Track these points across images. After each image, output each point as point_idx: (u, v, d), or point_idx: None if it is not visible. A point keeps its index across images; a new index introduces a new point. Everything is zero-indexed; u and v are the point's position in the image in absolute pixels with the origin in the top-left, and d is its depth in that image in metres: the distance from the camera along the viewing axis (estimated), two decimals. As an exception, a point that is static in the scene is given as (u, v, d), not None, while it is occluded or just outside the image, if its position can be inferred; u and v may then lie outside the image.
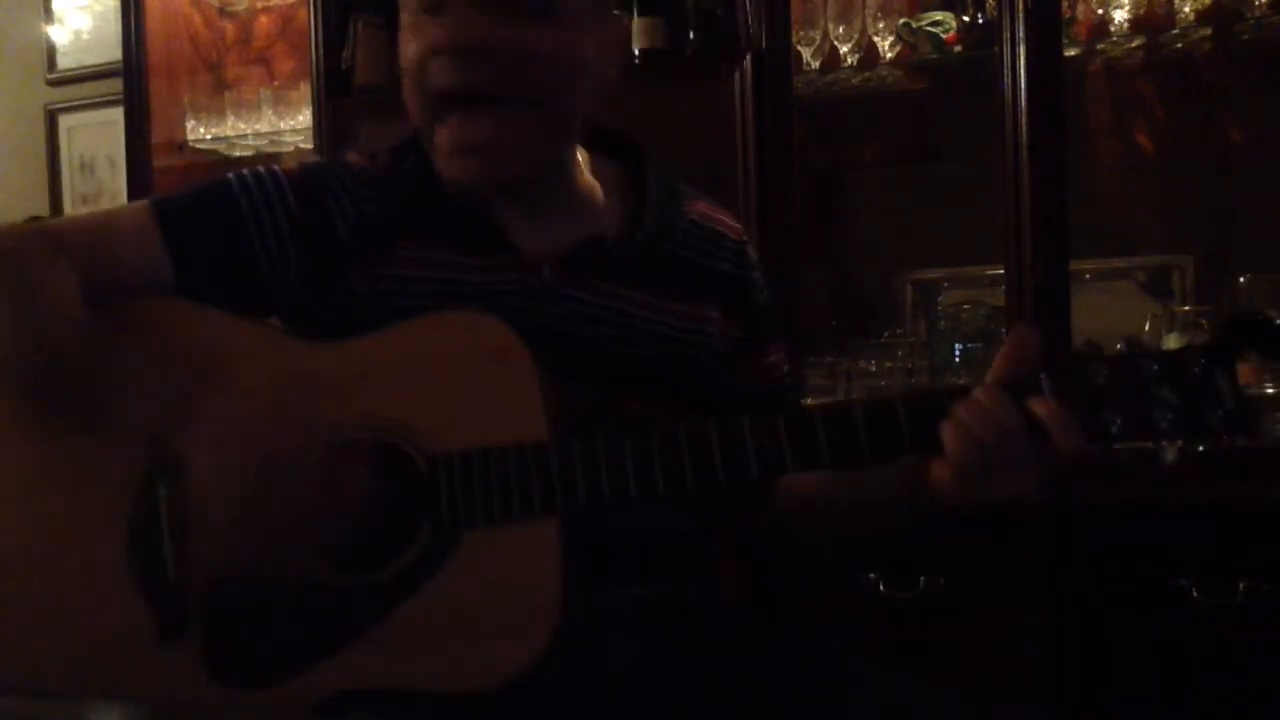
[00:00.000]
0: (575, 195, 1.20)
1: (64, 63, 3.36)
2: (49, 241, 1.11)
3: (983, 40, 2.12)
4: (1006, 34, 1.96)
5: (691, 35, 2.26)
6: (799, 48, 2.21)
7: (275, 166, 1.20)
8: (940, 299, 2.34)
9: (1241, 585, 1.77)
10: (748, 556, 1.38)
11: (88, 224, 1.18)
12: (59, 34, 3.35)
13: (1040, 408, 0.97)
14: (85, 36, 3.33)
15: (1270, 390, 1.78)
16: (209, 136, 2.88)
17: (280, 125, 2.81)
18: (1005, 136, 1.95)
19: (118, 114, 2.95)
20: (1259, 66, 2.12)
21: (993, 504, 0.99)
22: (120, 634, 1.05)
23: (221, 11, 3.03)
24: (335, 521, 1.01)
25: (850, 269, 2.52)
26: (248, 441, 1.01)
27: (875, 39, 2.21)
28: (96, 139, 3.31)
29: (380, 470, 1.03)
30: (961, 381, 2.10)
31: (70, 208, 3.35)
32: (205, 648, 1.04)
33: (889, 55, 2.22)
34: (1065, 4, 2.04)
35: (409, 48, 1.10)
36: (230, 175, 1.18)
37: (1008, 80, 1.95)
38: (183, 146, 2.90)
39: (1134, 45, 2.10)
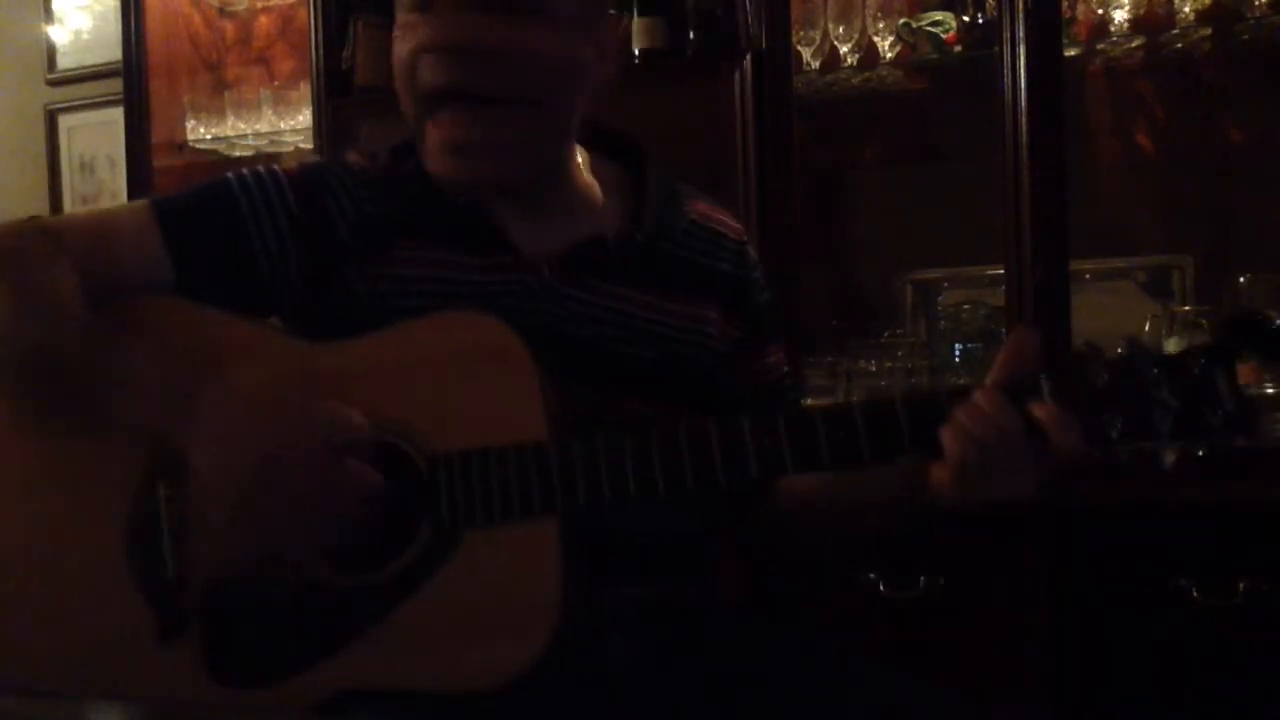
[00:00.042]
0: (575, 195, 1.20)
1: (64, 63, 3.36)
2: (49, 241, 1.11)
3: (983, 40, 2.12)
4: (1006, 34, 1.96)
5: (691, 35, 2.26)
6: (799, 48, 2.21)
7: (275, 166, 1.20)
8: (940, 299, 2.34)
9: (1241, 585, 1.77)
10: (748, 556, 1.38)
11: (88, 223, 1.18)
12: (59, 34, 3.35)
13: (1040, 410, 0.97)
14: (85, 36, 3.33)
15: (1270, 390, 1.78)
16: (209, 136, 2.88)
17: (280, 125, 2.81)
18: (1005, 136, 1.95)
19: (118, 114, 2.95)
20: (1259, 66, 2.11)
21: (992, 505, 0.99)
22: (120, 634, 1.05)
23: (221, 11, 3.03)
24: (335, 521, 1.01)
25: (850, 269, 2.52)
26: (248, 441, 1.01)
27: (875, 39, 2.21)
28: (96, 139, 3.31)
29: (380, 470, 1.03)
30: (961, 381, 2.11)
31: (70, 208, 3.35)
32: (205, 648, 1.04)
33: (889, 55, 2.22)
34: (1065, 4, 2.04)
35: (400, 46, 1.11)
36: (230, 175, 1.18)
37: (1008, 80, 1.95)
38: (183, 146, 2.90)
39: (1134, 45, 2.10)
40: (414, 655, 1.01)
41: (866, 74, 2.26)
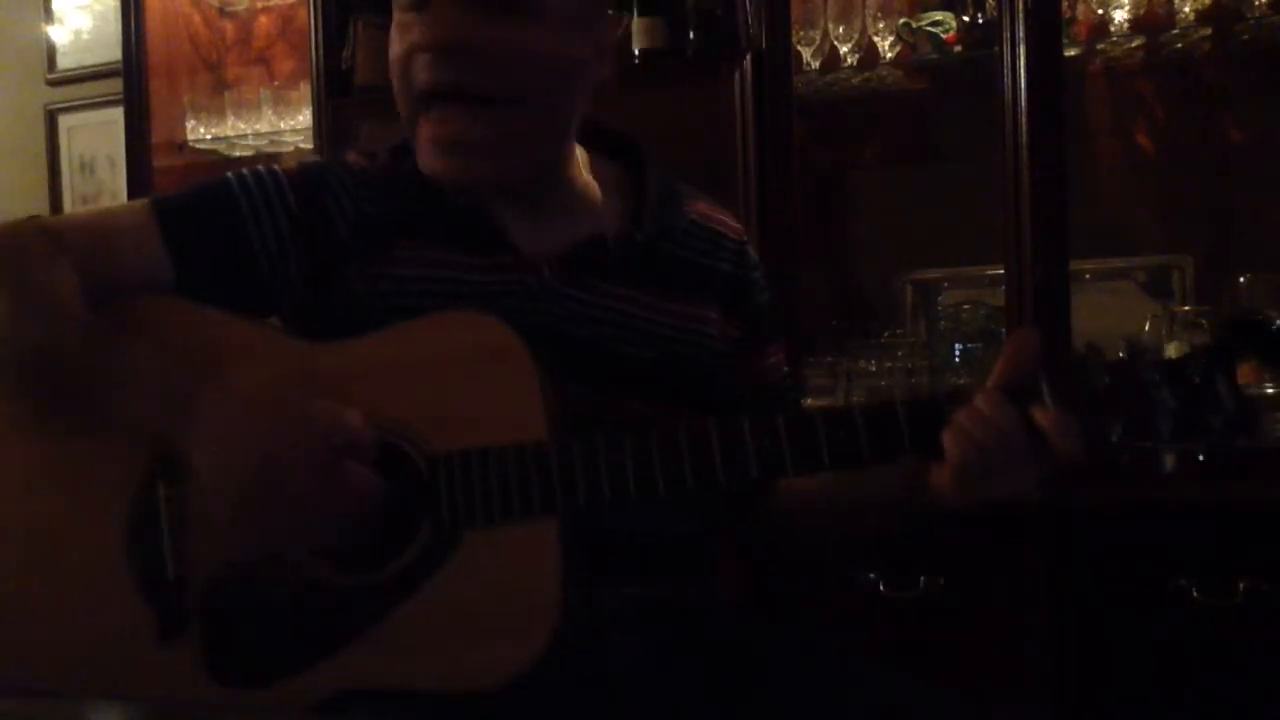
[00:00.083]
0: (575, 195, 1.19)
1: (64, 63, 3.36)
2: (49, 240, 1.11)
3: (983, 40, 2.12)
4: (1006, 34, 1.96)
5: (691, 35, 2.26)
6: (799, 48, 2.21)
7: (275, 166, 1.20)
8: (940, 299, 2.34)
9: (1241, 585, 1.77)
10: (748, 556, 1.38)
11: (88, 223, 1.18)
12: (59, 34, 3.35)
13: (1040, 413, 0.98)
14: (85, 36, 3.33)
15: (1270, 390, 1.78)
16: (209, 136, 2.88)
17: (280, 125, 2.81)
18: (1005, 136, 1.95)
19: (118, 114, 2.95)
20: (1259, 66, 2.11)
21: (992, 506, 1.00)
22: (120, 634, 1.05)
23: (221, 11, 3.03)
24: (335, 521, 1.01)
25: (850, 269, 2.52)
26: (247, 441, 1.01)
27: (875, 39, 2.21)
28: (96, 139, 3.31)
29: (380, 470, 1.03)
30: (961, 381, 2.11)
31: (70, 208, 3.35)
32: (205, 648, 1.04)
33: (889, 55, 2.22)
34: (1065, 4, 2.04)
35: (396, 46, 1.11)
36: (230, 174, 1.18)
37: (1008, 80, 1.95)
38: (183, 146, 2.90)
39: (1134, 45, 2.10)
40: (414, 655, 1.01)
41: (866, 74, 2.26)
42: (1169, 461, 0.97)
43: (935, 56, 2.20)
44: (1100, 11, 2.07)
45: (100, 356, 1.05)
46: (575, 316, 1.14)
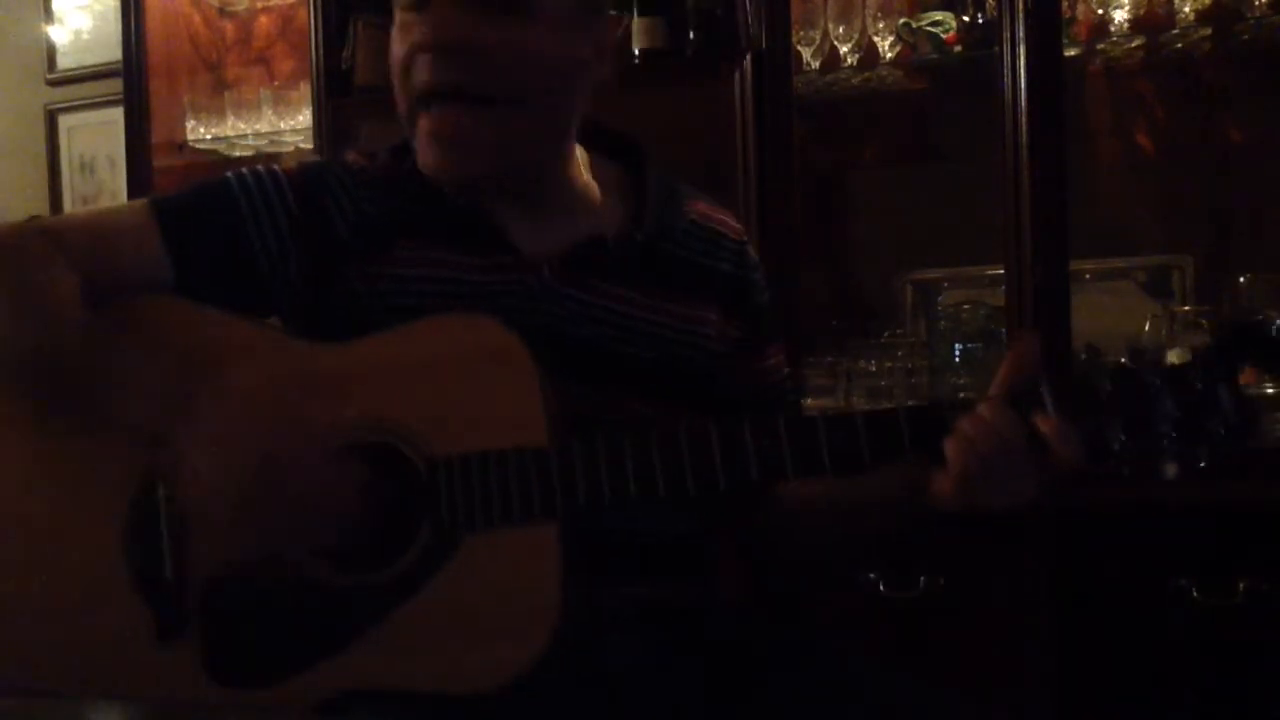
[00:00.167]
0: (575, 195, 1.19)
1: (64, 63, 3.36)
2: (48, 241, 1.11)
3: (983, 40, 2.12)
4: (1006, 34, 1.96)
5: (691, 35, 2.26)
6: (799, 48, 2.21)
7: (275, 166, 1.20)
8: (940, 299, 2.34)
9: (1241, 585, 1.77)
10: (748, 556, 1.38)
11: (87, 223, 1.18)
12: (59, 34, 3.35)
13: (1042, 421, 0.98)
14: (85, 36, 3.33)
15: (1270, 390, 1.78)
16: (209, 136, 2.88)
17: (280, 125, 2.81)
18: (1005, 136, 1.95)
19: (118, 114, 2.95)
20: (1259, 66, 2.11)
21: (993, 513, 1.00)
22: (119, 634, 1.05)
23: (221, 11, 3.03)
24: (334, 522, 1.01)
25: (850, 269, 2.52)
26: (247, 442, 1.01)
27: (875, 39, 2.21)
28: (96, 139, 3.31)
29: (379, 471, 1.03)
30: (961, 381, 2.11)
31: (70, 208, 3.35)
32: (204, 648, 1.04)
33: (889, 55, 2.22)
34: (1065, 4, 2.04)
35: (397, 46, 1.11)
36: (229, 174, 1.18)
37: (1008, 80, 1.95)
38: (183, 146, 2.90)
39: (1134, 45, 2.10)
40: (414, 656, 1.01)
41: (866, 74, 2.26)
42: (1170, 471, 0.98)
43: (935, 56, 2.20)
44: (1100, 11, 2.07)
45: (100, 356, 1.05)
46: (575, 317, 1.14)
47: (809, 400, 2.10)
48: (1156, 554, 1.82)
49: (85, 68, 3.30)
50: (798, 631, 1.19)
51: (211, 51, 3.02)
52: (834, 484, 1.15)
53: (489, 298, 1.12)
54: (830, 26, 2.22)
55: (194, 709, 1.03)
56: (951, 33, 2.17)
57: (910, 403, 1.73)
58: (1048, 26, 1.96)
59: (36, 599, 1.08)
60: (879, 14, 2.20)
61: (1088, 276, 2.17)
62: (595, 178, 1.22)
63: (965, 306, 2.25)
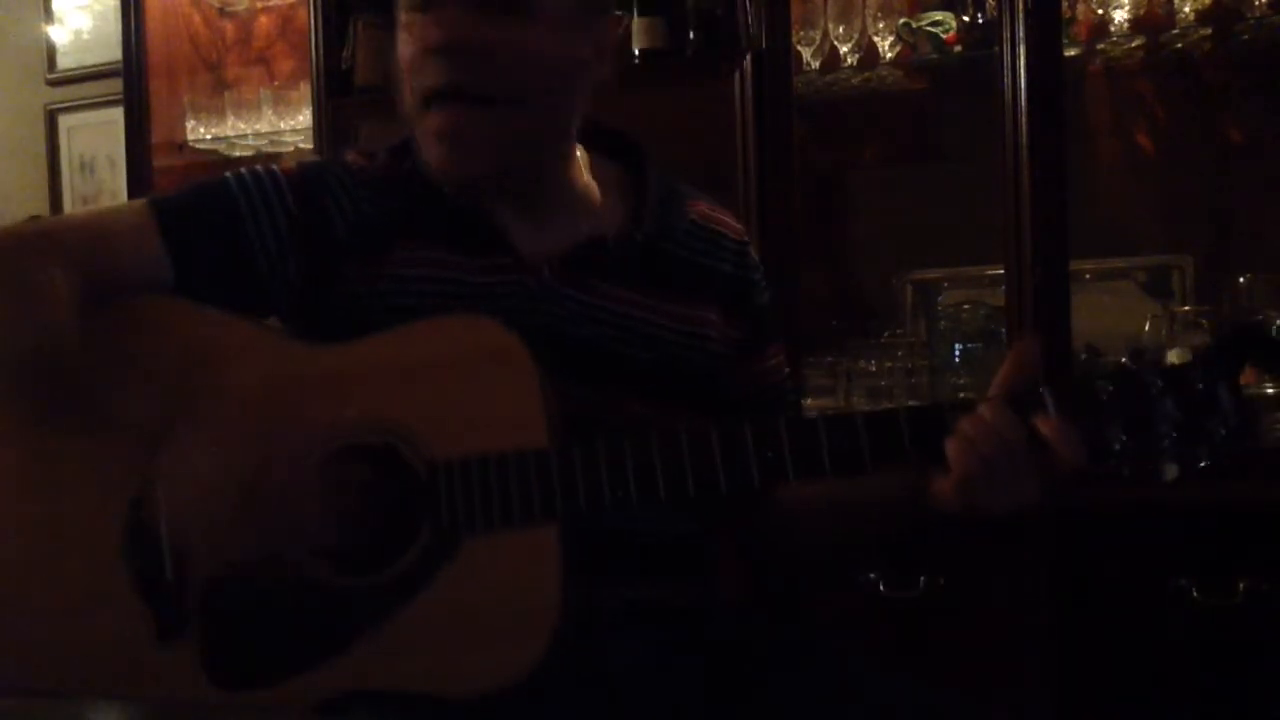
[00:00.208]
0: (575, 196, 1.19)
1: (64, 63, 3.36)
2: (48, 241, 1.11)
3: (983, 40, 2.12)
4: (1006, 34, 1.96)
5: (691, 35, 2.26)
6: (799, 48, 2.21)
7: (273, 166, 1.20)
8: (940, 299, 2.34)
9: (1241, 585, 1.77)
10: (748, 556, 1.38)
11: (87, 223, 1.18)
12: (59, 34, 3.35)
13: (1043, 422, 0.98)
14: (85, 36, 3.33)
15: (1270, 390, 1.78)
16: (209, 136, 2.88)
17: (280, 125, 2.81)
18: (1005, 136, 1.95)
19: (118, 114, 2.96)
20: (1259, 66, 2.11)
21: (994, 516, 1.00)
22: (119, 634, 1.05)
23: (221, 11, 3.03)
24: (334, 523, 1.01)
25: (850, 269, 2.52)
26: (247, 442, 1.01)
27: (875, 39, 2.21)
28: (96, 139, 3.31)
29: (379, 472, 1.03)
30: (961, 381, 2.11)
31: (70, 208, 3.35)
32: (204, 648, 1.03)
33: (889, 55, 2.22)
34: (1065, 4, 2.04)
35: (404, 46, 1.11)
36: (228, 174, 1.18)
37: (1008, 80, 1.95)
38: (183, 146, 2.91)
39: (1134, 45, 2.10)
40: (414, 657, 1.00)
41: (866, 74, 2.26)
42: (1169, 476, 0.98)
43: (935, 56, 2.20)
44: (1100, 11, 2.07)
45: (100, 357, 1.05)
46: (575, 317, 1.14)
47: (809, 400, 2.10)
48: (1156, 554, 1.82)
49: (85, 68, 3.30)
50: (798, 631, 1.19)
51: (211, 51, 3.02)
52: (834, 485, 1.15)
53: (489, 298, 1.12)
54: (830, 26, 2.22)
55: (194, 709, 1.02)
56: (951, 33, 2.17)
57: (910, 403, 1.74)
58: (1048, 26, 1.96)
59: (36, 599, 1.08)
60: (879, 14, 2.20)
61: (1088, 276, 2.17)
62: (595, 178, 1.22)
63: (965, 306, 2.25)
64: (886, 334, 2.28)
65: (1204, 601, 1.78)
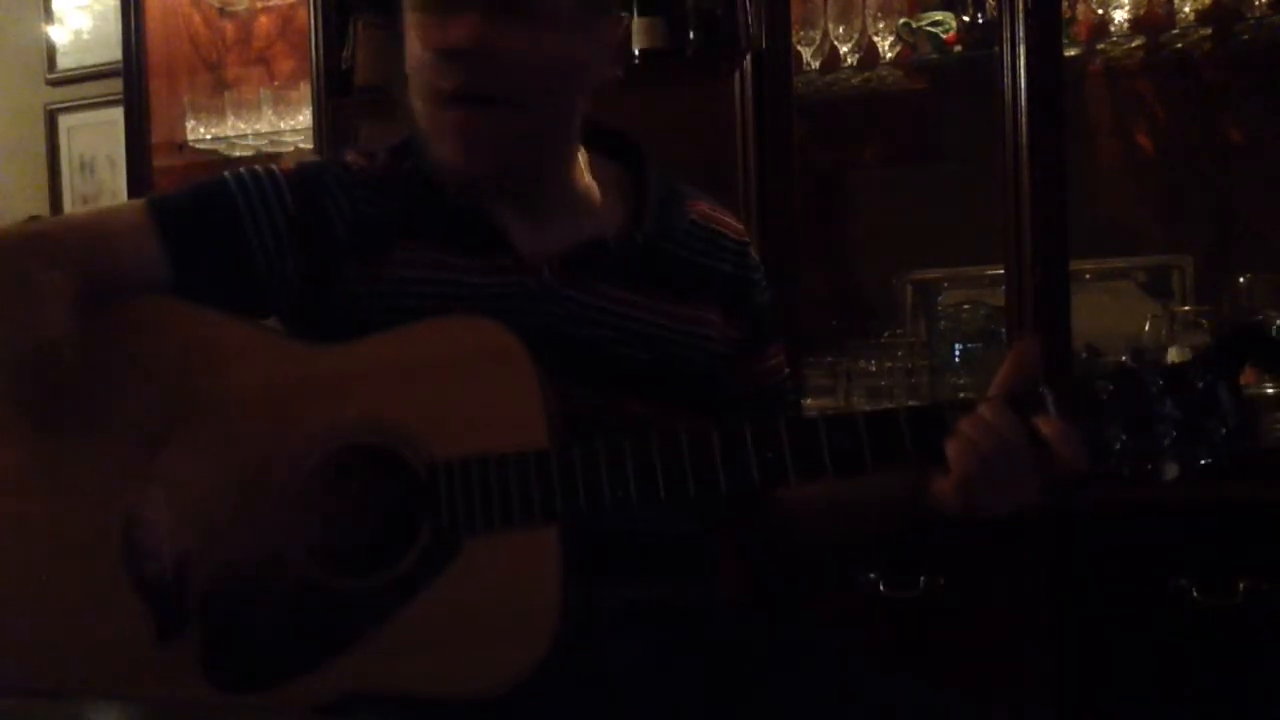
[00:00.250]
0: (575, 196, 1.19)
1: (64, 63, 3.36)
2: (48, 241, 1.11)
3: (983, 40, 2.12)
4: (1006, 34, 1.96)
5: (691, 35, 2.26)
6: (799, 48, 2.21)
7: (273, 166, 1.20)
8: (940, 299, 2.34)
9: (1241, 585, 1.77)
10: (748, 556, 1.38)
11: (86, 223, 1.18)
12: (59, 34, 3.35)
13: (1044, 423, 0.98)
14: (85, 36, 3.33)
15: (1270, 390, 1.78)
16: (209, 136, 2.88)
17: (280, 125, 2.81)
18: (1005, 136, 1.95)
19: (118, 114, 2.96)
20: (1259, 66, 2.11)
21: (994, 516, 1.00)
22: (119, 634, 1.05)
23: (221, 11, 3.03)
24: (334, 524, 1.01)
25: (850, 269, 2.52)
26: (246, 443, 1.01)
27: (875, 39, 2.21)
28: (96, 139, 3.31)
29: (379, 473, 1.03)
30: (961, 381, 2.11)
31: (70, 208, 3.36)
32: (204, 649, 1.03)
33: (889, 55, 2.22)
34: (1065, 4, 2.04)
35: (414, 46, 1.11)
36: (227, 174, 1.18)
37: (1008, 80, 1.95)
38: (183, 146, 2.91)
39: (1134, 45, 2.10)
40: (414, 658, 1.00)
41: (866, 74, 2.26)
42: (1169, 476, 0.98)
43: (935, 56, 2.20)
44: (1100, 11, 2.07)
45: (98, 358, 1.05)
46: (575, 318, 1.14)
47: (809, 400, 2.10)
48: (1156, 554, 1.82)
49: (85, 68, 3.30)
50: (798, 631, 1.19)
51: (211, 51, 3.02)
52: (834, 485, 1.15)
53: (489, 299, 1.12)
54: (830, 26, 2.22)
55: (194, 709, 1.02)
56: (951, 33, 2.17)
57: (910, 403, 1.74)
58: (1048, 26, 1.96)
59: (36, 599, 1.08)
60: (879, 14, 2.20)
61: (1088, 276, 2.17)
62: (595, 178, 1.22)
63: (965, 306, 2.25)
64: (886, 334, 2.28)
65: (1204, 601, 1.78)
